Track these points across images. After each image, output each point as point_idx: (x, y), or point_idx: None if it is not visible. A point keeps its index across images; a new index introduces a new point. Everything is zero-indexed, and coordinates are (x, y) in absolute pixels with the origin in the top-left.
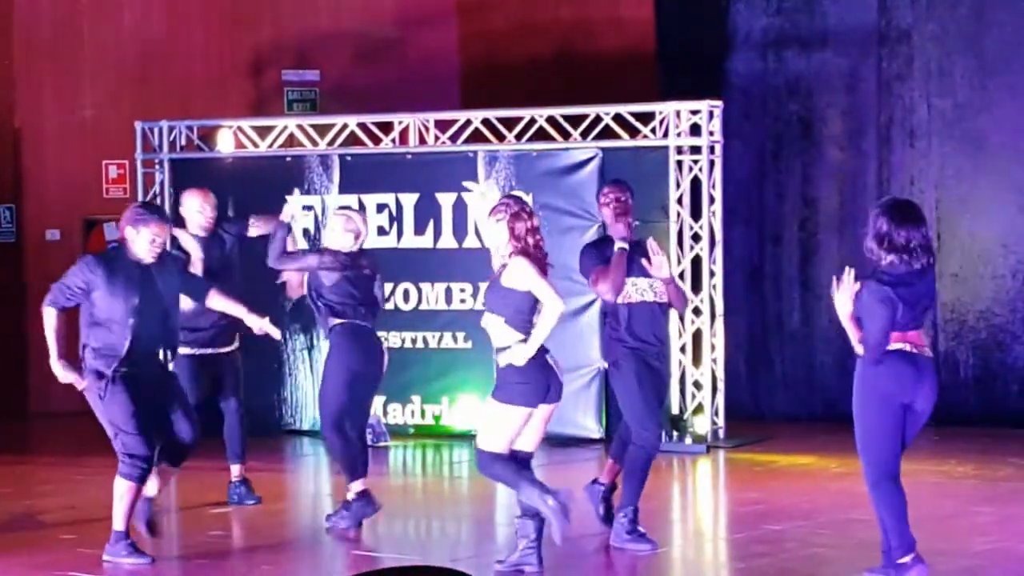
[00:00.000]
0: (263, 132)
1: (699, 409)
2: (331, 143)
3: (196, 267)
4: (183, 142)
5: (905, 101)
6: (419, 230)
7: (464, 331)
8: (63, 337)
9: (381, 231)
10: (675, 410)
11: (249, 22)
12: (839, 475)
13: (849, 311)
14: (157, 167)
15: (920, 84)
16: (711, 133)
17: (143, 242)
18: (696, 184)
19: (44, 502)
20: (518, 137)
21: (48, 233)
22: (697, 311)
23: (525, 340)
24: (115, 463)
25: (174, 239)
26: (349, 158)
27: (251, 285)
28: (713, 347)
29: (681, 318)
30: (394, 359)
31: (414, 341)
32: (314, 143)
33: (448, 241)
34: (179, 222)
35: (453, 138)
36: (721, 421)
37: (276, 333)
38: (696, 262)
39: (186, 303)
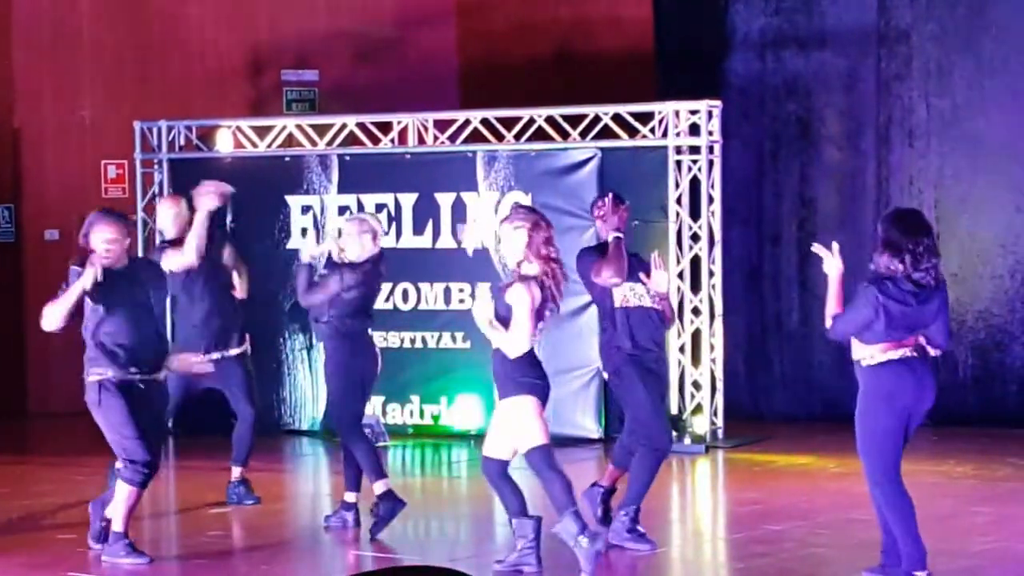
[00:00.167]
0: (262, 132)
1: (698, 409)
2: (330, 143)
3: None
4: (182, 142)
5: (904, 101)
6: (418, 230)
7: (463, 331)
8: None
9: None
10: (674, 410)
11: (248, 22)
12: (838, 475)
13: (839, 274)
14: (156, 167)
15: (919, 84)
16: (710, 133)
17: (97, 245)
18: (695, 184)
19: (43, 502)
20: (517, 137)
21: (47, 233)
22: (696, 311)
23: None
24: (115, 460)
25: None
26: (348, 158)
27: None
28: (712, 347)
29: (680, 319)
30: (393, 359)
31: (413, 341)
32: (313, 143)
33: (447, 241)
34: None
35: (452, 138)
36: (720, 421)
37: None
38: (695, 262)
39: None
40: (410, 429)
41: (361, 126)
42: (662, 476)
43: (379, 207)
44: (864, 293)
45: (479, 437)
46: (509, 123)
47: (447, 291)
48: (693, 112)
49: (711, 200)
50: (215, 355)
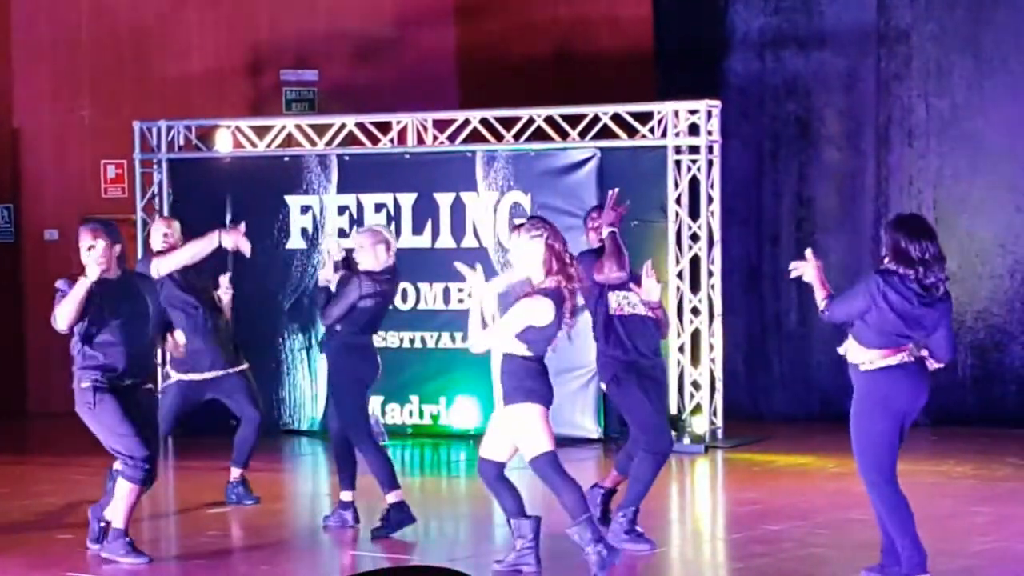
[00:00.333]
0: (261, 132)
1: (697, 409)
2: (329, 143)
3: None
4: (181, 142)
5: (903, 101)
6: (417, 230)
7: (462, 331)
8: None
9: None
10: (673, 410)
11: (247, 22)
12: (837, 475)
13: (814, 274)
14: (155, 167)
15: (918, 84)
16: (709, 133)
17: (82, 255)
18: (694, 184)
19: (43, 502)
20: (516, 137)
21: (47, 233)
22: (695, 311)
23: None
24: (114, 463)
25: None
26: (347, 158)
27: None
28: (711, 347)
29: (680, 319)
30: (392, 359)
31: (412, 341)
32: (312, 143)
33: (446, 241)
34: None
35: (451, 138)
36: (719, 421)
37: (246, 246)
38: (694, 262)
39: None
40: (409, 429)
41: (360, 126)
42: (662, 476)
43: (378, 207)
44: (866, 279)
45: (478, 437)
46: (508, 123)
47: (446, 291)
48: (692, 112)
49: (710, 200)
50: (219, 372)
